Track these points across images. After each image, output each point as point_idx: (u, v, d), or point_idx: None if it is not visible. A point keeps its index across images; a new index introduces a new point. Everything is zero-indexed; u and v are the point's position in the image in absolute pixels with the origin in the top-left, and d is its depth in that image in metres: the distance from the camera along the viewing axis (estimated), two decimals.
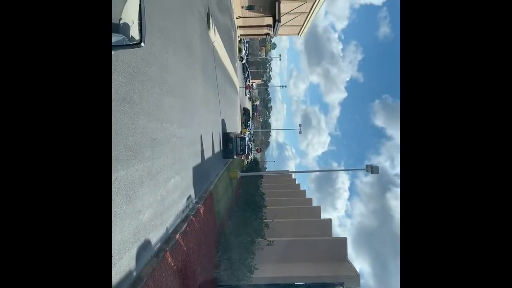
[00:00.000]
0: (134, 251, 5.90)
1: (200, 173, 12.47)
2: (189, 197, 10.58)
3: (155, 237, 7.07)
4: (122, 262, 5.43)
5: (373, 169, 18.80)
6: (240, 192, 25.39)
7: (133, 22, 2.33)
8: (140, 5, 2.32)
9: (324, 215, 26.11)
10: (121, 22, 2.34)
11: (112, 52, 2.31)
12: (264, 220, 18.89)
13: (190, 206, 10.64)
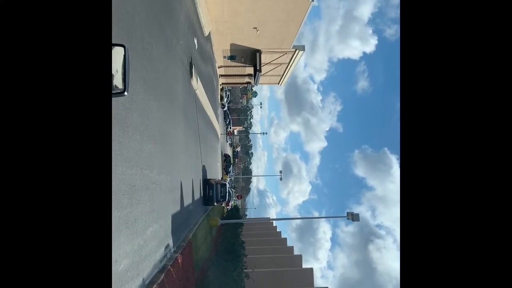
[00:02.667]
0: None
1: (179, 221, 12.19)
2: (167, 246, 10.26)
3: None
4: None
5: (353, 217, 18.77)
6: (220, 241, 24.77)
7: (117, 71, 2.38)
8: (124, 55, 2.38)
9: (305, 266, 25.53)
10: None
11: None
12: (245, 270, 18.37)
13: (168, 255, 10.30)
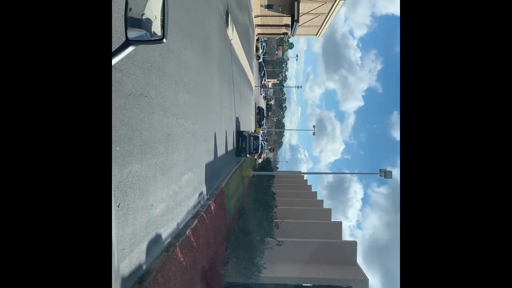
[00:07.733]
0: (144, 245, 5.95)
1: (213, 170, 12.51)
2: (201, 193, 10.62)
3: (165, 232, 7.12)
4: (133, 256, 5.48)
5: (386, 174, 18.50)
6: (251, 191, 25.40)
7: (155, 18, 2.33)
8: (163, 1, 2.32)
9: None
10: (143, 17, 2.34)
11: (133, 47, 2.32)
12: (274, 220, 18.88)
13: (202, 202, 10.69)
